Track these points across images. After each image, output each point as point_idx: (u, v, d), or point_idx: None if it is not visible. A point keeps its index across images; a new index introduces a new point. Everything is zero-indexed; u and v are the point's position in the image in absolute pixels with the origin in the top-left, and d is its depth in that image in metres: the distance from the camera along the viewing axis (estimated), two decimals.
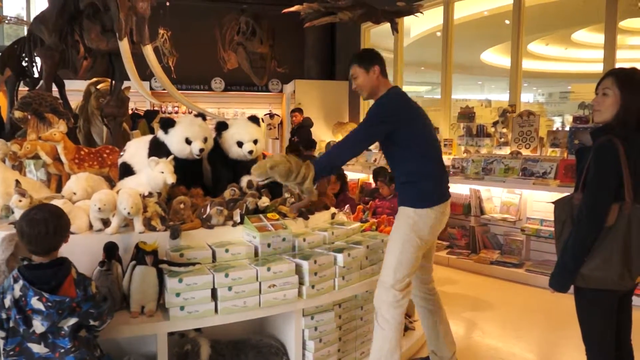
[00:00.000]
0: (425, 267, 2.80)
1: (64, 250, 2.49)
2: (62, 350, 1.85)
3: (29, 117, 3.42)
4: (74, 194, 2.75)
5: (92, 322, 1.92)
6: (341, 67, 9.12)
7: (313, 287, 2.54)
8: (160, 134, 2.98)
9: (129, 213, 2.45)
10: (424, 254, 2.66)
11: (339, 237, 2.97)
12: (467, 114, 5.96)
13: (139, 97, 8.54)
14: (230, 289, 2.33)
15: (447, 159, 6.02)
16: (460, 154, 6.02)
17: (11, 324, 1.84)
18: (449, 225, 5.64)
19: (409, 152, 2.58)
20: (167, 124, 2.93)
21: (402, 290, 2.51)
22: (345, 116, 8.69)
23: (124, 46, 3.61)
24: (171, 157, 2.80)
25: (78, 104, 4.62)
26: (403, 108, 2.58)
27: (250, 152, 3.04)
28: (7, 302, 1.83)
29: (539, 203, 5.00)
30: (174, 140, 2.90)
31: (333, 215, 3.43)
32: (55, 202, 2.53)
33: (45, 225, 1.88)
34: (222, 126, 3.10)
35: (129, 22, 3.62)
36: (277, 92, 9.58)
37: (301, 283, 2.53)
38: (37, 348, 1.84)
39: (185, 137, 2.89)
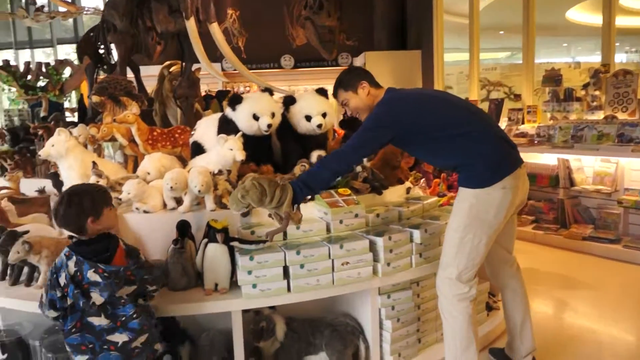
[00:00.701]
0: (497, 253, 2.49)
1: (142, 229, 2.55)
2: (124, 319, 1.88)
3: (106, 101, 3.52)
4: (148, 173, 2.78)
5: (149, 288, 2.02)
6: (413, 36, 8.75)
7: (388, 264, 2.41)
8: (228, 111, 2.94)
9: (199, 191, 2.43)
10: (499, 236, 2.36)
11: (414, 212, 2.81)
12: (553, 77, 5.47)
13: (211, 79, 8.71)
14: (302, 266, 2.25)
15: (531, 127, 5.61)
16: (546, 121, 5.58)
17: (69, 302, 1.86)
18: (534, 198, 5.27)
19: (438, 145, 2.27)
20: (235, 100, 2.88)
21: (468, 282, 2.27)
22: (419, 86, 8.35)
23: (191, 25, 3.61)
24: (239, 133, 2.75)
25: (154, 88, 4.72)
26: (405, 107, 2.29)
27: (319, 125, 2.93)
28: (62, 280, 1.86)
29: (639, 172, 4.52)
30: (241, 116, 2.85)
31: (408, 190, 3.26)
32: (131, 182, 2.58)
33: (64, 204, 1.89)
34: (289, 100, 3.01)
35: (195, 0, 3.61)
36: (347, 66, 9.37)
37: (376, 260, 2.41)
38: (98, 320, 1.86)
39: (253, 113, 2.83)
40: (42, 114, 5.08)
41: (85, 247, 1.90)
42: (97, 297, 1.85)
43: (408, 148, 2.52)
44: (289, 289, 2.27)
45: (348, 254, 2.32)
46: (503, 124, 6.00)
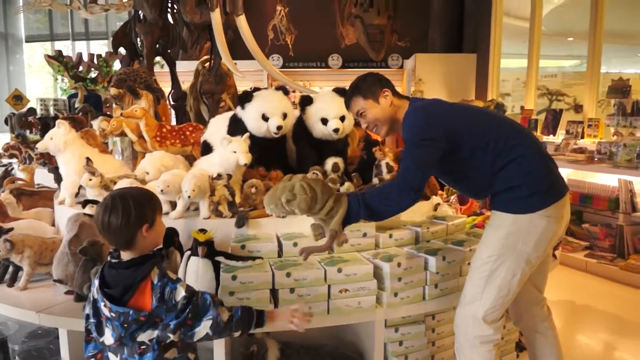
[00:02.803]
0: (528, 291, 2.13)
1: None
2: None
3: (124, 93, 3.39)
4: (147, 173, 2.59)
5: (170, 337, 1.53)
6: (469, 38, 8.25)
7: (396, 295, 2.09)
8: (238, 109, 2.71)
9: (189, 197, 2.21)
10: (532, 274, 2.01)
11: (436, 234, 2.46)
12: (620, 88, 4.90)
13: (257, 76, 8.61)
14: (292, 291, 1.98)
15: (591, 143, 5.06)
16: (609, 137, 5.01)
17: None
18: (589, 222, 4.74)
19: (474, 163, 1.92)
20: (244, 98, 2.64)
21: (494, 323, 1.93)
22: (472, 92, 7.86)
23: (216, 17, 3.42)
24: (246, 135, 2.51)
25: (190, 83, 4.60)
26: (445, 113, 1.97)
27: (336, 130, 2.64)
28: (90, 297, 1.61)
29: None
30: (250, 116, 2.61)
31: (436, 207, 2.91)
32: (123, 181, 2.40)
33: (110, 210, 1.53)
34: (306, 101, 2.74)
35: None
36: (398, 68, 8.98)
37: (381, 289, 2.10)
38: None
39: (262, 113, 2.58)
40: (76, 105, 5.07)
41: (111, 270, 1.57)
42: (107, 337, 1.55)
43: (445, 172, 2.12)
44: None
45: (347, 279, 2.03)
46: (560, 137, 5.47)
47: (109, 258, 1.61)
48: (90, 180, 2.41)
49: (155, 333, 1.53)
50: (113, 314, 1.50)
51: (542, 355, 2.17)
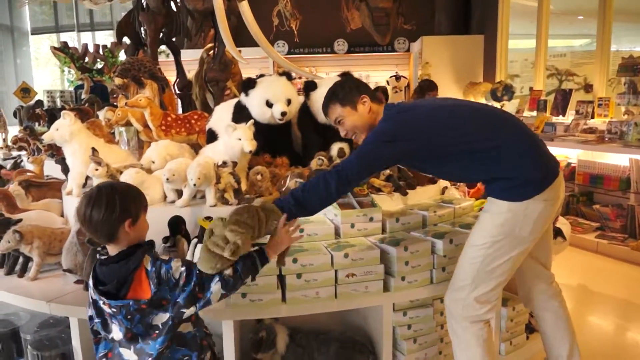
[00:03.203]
0: (532, 267, 2.15)
1: None
2: (150, 359, 1.55)
3: (129, 83, 3.38)
4: (153, 162, 2.60)
5: (185, 312, 1.53)
6: (476, 19, 8.14)
7: (403, 279, 2.09)
8: (242, 96, 2.70)
9: (194, 184, 2.21)
10: (533, 248, 2.00)
11: (443, 217, 2.45)
12: (630, 66, 4.81)
13: (263, 63, 8.56)
14: (299, 276, 1.98)
15: (601, 122, 4.99)
16: (620, 116, 4.93)
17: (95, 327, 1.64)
18: (600, 202, 4.70)
19: (464, 160, 1.91)
20: (247, 85, 2.63)
21: (487, 303, 1.93)
22: (480, 74, 7.76)
23: (218, 4, 3.39)
24: (250, 122, 2.49)
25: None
26: (416, 120, 1.93)
27: None
28: (89, 299, 1.62)
29: None
30: (254, 103, 2.60)
31: (444, 190, 2.90)
32: (128, 171, 2.41)
33: (93, 203, 1.51)
34: (310, 86, 2.72)
35: None
36: (404, 52, 8.88)
37: (388, 273, 2.09)
38: (127, 354, 1.58)
39: (266, 100, 2.57)
40: (82, 96, 5.08)
41: (103, 267, 1.56)
42: (116, 332, 1.56)
43: (424, 167, 2.15)
44: (283, 300, 2.00)
45: (354, 264, 2.02)
46: (569, 117, 5.40)
47: (97, 256, 1.60)
48: (97, 170, 2.41)
49: (167, 315, 1.54)
50: (114, 309, 1.51)
51: (554, 333, 2.17)
